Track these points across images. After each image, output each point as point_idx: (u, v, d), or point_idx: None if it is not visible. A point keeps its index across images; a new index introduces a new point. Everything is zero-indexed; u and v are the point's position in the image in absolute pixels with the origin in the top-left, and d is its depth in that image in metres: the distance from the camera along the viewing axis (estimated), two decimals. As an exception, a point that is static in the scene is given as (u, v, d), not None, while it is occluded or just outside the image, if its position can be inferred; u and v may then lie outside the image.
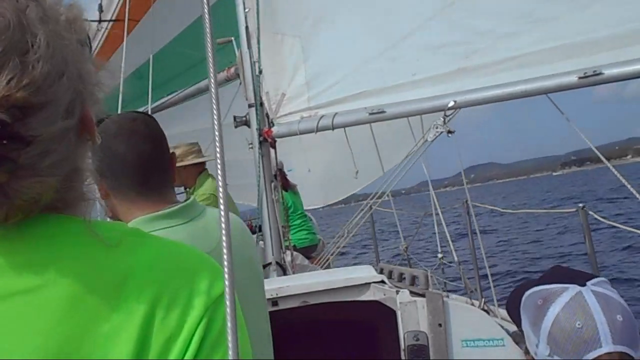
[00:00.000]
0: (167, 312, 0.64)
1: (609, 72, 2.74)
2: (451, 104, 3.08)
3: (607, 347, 1.13)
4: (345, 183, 7.99)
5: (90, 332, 0.62)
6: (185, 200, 1.42)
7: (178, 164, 4.02)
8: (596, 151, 3.09)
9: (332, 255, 4.67)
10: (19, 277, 0.63)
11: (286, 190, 5.92)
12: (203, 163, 4.20)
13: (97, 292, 0.63)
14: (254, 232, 4.38)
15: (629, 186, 2.97)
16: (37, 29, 0.62)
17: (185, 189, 4.26)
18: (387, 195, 4.09)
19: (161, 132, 1.46)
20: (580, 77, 2.78)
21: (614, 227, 4.49)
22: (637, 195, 2.89)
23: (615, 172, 3.16)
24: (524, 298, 1.33)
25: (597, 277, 1.29)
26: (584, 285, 1.23)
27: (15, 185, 0.61)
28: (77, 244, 0.67)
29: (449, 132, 3.17)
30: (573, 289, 1.22)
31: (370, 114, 3.36)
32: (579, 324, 1.16)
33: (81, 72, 0.67)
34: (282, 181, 5.91)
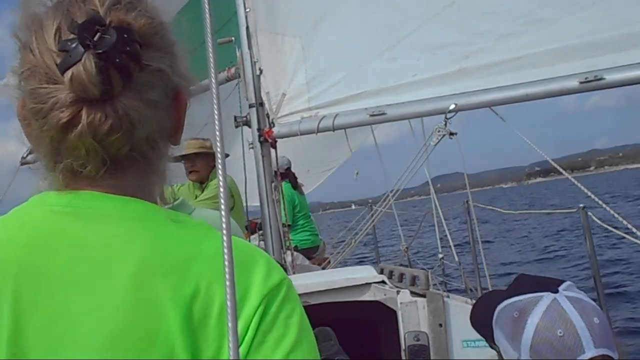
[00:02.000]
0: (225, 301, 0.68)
1: (610, 77, 2.73)
2: (452, 106, 3.08)
3: (590, 352, 1.14)
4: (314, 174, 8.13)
5: (151, 312, 0.66)
6: (174, 201, 1.42)
7: (190, 151, 4.09)
8: (554, 164, 3.11)
9: (336, 262, 4.68)
10: (91, 250, 0.69)
11: (295, 189, 5.93)
12: (214, 159, 4.24)
13: (161, 273, 0.68)
14: (255, 232, 4.38)
15: (593, 197, 2.99)
16: (156, 9, 0.78)
17: (199, 183, 4.30)
18: (389, 197, 4.08)
19: None
20: (581, 82, 2.77)
21: (610, 230, 4.48)
22: (604, 206, 2.91)
23: (577, 183, 3.19)
24: (496, 312, 1.31)
25: (563, 281, 1.28)
26: (556, 291, 1.22)
27: (124, 100, 0.70)
28: (150, 225, 0.73)
29: (451, 134, 3.17)
30: (547, 297, 1.22)
31: (371, 115, 3.36)
32: (560, 332, 1.16)
33: (181, 62, 0.80)
34: (292, 180, 5.92)
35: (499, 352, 1.33)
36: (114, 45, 0.68)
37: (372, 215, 4.12)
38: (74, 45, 0.68)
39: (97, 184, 0.73)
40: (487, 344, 2.35)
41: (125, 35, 0.70)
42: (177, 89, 0.79)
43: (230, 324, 0.56)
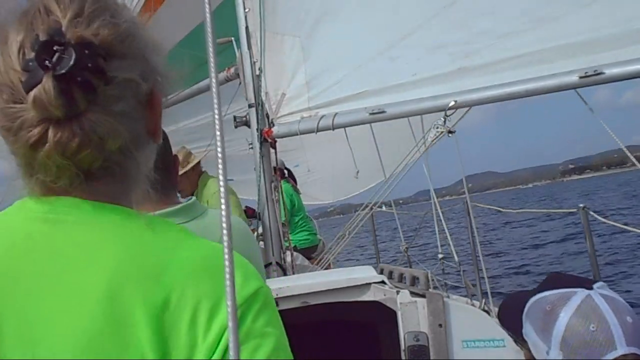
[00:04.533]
0: (198, 308, 0.67)
1: (609, 71, 2.73)
2: (451, 103, 3.08)
3: (622, 349, 1.13)
4: (350, 182, 8.01)
5: (123, 320, 0.65)
6: (188, 200, 1.43)
7: (180, 173, 4.07)
8: (627, 152, 2.94)
9: (333, 256, 4.66)
10: (67, 256, 0.69)
11: (295, 190, 5.92)
12: (199, 166, 4.22)
13: (134, 280, 0.67)
14: (254, 217, 4.37)
15: None
16: (126, 10, 0.77)
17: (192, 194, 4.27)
18: (389, 197, 4.08)
19: (164, 133, 1.46)
20: (581, 77, 2.77)
21: (615, 227, 4.48)
22: None
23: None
24: (528, 305, 1.31)
25: (597, 281, 1.28)
26: (591, 288, 1.22)
27: (91, 116, 0.70)
28: (125, 231, 0.73)
29: (450, 132, 3.16)
30: (582, 292, 1.21)
31: (371, 114, 3.35)
32: (593, 327, 1.16)
33: (155, 61, 0.78)
34: (291, 181, 5.92)
35: (527, 349, 1.33)
36: (74, 65, 0.67)
37: (370, 209, 4.11)
38: (34, 65, 0.68)
39: (73, 191, 0.73)
40: (486, 344, 2.35)
41: (87, 51, 0.69)
42: (151, 92, 0.78)
43: (230, 324, 0.55)
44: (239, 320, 0.66)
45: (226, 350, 0.64)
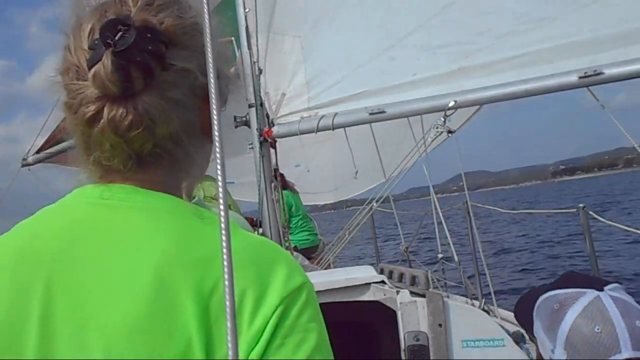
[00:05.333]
0: (243, 298, 0.68)
1: (609, 71, 2.73)
2: (451, 103, 3.08)
3: (626, 353, 1.11)
4: (349, 183, 7.99)
5: (171, 303, 0.67)
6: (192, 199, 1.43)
7: None
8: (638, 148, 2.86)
9: (332, 256, 4.66)
10: (119, 239, 0.72)
11: (284, 189, 5.91)
12: None
13: (183, 266, 0.69)
14: (255, 226, 4.37)
15: None
16: (194, 9, 0.81)
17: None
18: (389, 196, 4.08)
19: None
20: (580, 77, 2.78)
21: (615, 227, 4.48)
22: None
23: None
24: (538, 302, 1.29)
25: (611, 282, 1.26)
26: (601, 290, 1.20)
27: (146, 98, 0.73)
28: (176, 218, 0.75)
29: (450, 131, 3.15)
30: (591, 293, 1.20)
31: (371, 113, 3.35)
32: (597, 329, 1.14)
33: (217, 61, 0.80)
34: (281, 181, 5.90)
35: (521, 337, 1.33)
36: (134, 44, 0.71)
37: (370, 208, 4.10)
38: (99, 44, 0.72)
39: (127, 177, 0.77)
40: (486, 344, 2.35)
41: (149, 35, 0.73)
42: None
43: (229, 324, 0.55)
44: (283, 314, 0.68)
45: (269, 341, 0.67)
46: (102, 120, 0.73)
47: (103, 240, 0.72)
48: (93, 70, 0.72)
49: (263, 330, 0.67)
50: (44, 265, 0.71)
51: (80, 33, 0.76)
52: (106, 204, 0.75)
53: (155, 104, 0.74)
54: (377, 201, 3.87)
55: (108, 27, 0.72)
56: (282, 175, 5.98)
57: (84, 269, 0.71)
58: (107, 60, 0.71)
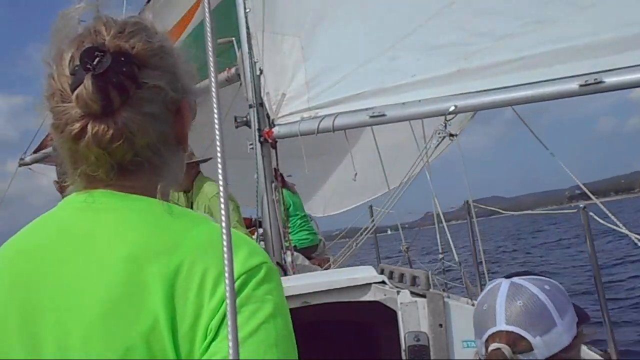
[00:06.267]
0: (204, 277, 0.77)
1: (610, 80, 2.71)
2: (452, 108, 3.07)
3: (500, 326, 1.29)
4: (350, 194, 7.97)
5: (140, 286, 0.77)
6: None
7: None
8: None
9: (337, 266, 4.68)
10: (97, 236, 0.83)
11: (283, 187, 5.91)
12: (197, 165, 4.22)
13: (152, 255, 0.79)
14: (253, 226, 4.37)
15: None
16: (161, 34, 0.93)
17: (185, 193, 4.28)
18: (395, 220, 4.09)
19: None
20: (581, 85, 2.76)
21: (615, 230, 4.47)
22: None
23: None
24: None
25: (542, 276, 1.40)
26: (509, 277, 1.38)
27: (124, 114, 0.83)
28: (148, 215, 0.85)
29: (451, 135, 3.16)
30: (498, 280, 1.39)
31: (371, 116, 3.35)
32: (485, 307, 1.35)
33: (185, 79, 0.92)
34: (280, 180, 5.90)
35: None
36: (110, 68, 0.82)
37: (372, 220, 4.12)
38: (79, 69, 0.83)
39: (109, 184, 0.87)
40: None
41: (123, 59, 0.83)
42: (179, 103, 0.91)
43: (230, 323, 0.56)
44: (240, 288, 0.77)
45: (225, 314, 0.71)
46: (86, 136, 0.83)
47: (82, 240, 0.83)
48: (76, 92, 0.82)
49: (221, 304, 0.75)
50: (28, 267, 0.83)
51: (61, 62, 0.86)
52: (88, 207, 0.86)
53: (132, 118, 0.84)
54: (381, 231, 3.88)
55: (86, 54, 0.82)
56: (281, 175, 5.99)
57: (62, 266, 0.81)
58: (88, 82, 0.81)
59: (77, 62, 0.83)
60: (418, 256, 9.07)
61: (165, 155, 0.90)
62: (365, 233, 4.56)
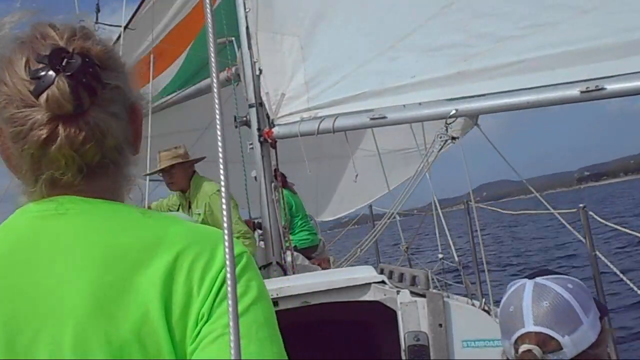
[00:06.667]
0: (192, 267, 0.80)
1: (611, 87, 2.70)
2: (452, 112, 3.07)
3: (528, 327, 1.29)
4: (352, 197, 7.98)
5: (126, 281, 0.78)
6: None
7: (165, 164, 4.09)
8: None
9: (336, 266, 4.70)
10: (68, 241, 0.81)
11: (284, 187, 5.90)
12: (192, 166, 4.23)
13: (135, 250, 0.80)
14: (254, 229, 4.38)
15: None
16: (108, 41, 0.93)
17: (182, 192, 4.29)
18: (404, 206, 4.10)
19: None
20: (582, 92, 2.75)
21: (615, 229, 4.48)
22: None
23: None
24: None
25: (563, 275, 1.41)
26: (532, 278, 1.38)
27: (93, 114, 0.83)
28: (121, 216, 0.86)
29: (453, 138, 3.17)
30: (521, 282, 1.39)
31: (372, 118, 3.35)
32: (511, 309, 1.34)
33: (131, 81, 0.93)
34: (282, 181, 5.89)
35: None
36: (79, 68, 0.82)
37: (374, 228, 4.13)
38: (44, 72, 0.81)
39: (73, 190, 0.85)
40: (486, 344, 2.38)
41: (87, 59, 0.83)
42: (133, 104, 0.92)
43: (232, 323, 0.56)
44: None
45: (215, 298, 0.78)
46: (58, 138, 0.81)
47: (53, 245, 0.81)
48: (45, 94, 0.80)
49: (211, 290, 0.79)
50: None
51: (13, 67, 0.84)
52: (54, 215, 0.83)
53: (102, 118, 0.84)
54: (391, 216, 3.89)
55: (54, 56, 0.82)
56: (283, 175, 5.98)
57: (36, 272, 0.79)
58: (61, 83, 0.80)
59: (37, 66, 0.82)
60: (418, 256, 9.07)
61: (127, 156, 0.91)
62: (369, 239, 4.56)
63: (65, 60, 0.82)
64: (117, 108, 0.87)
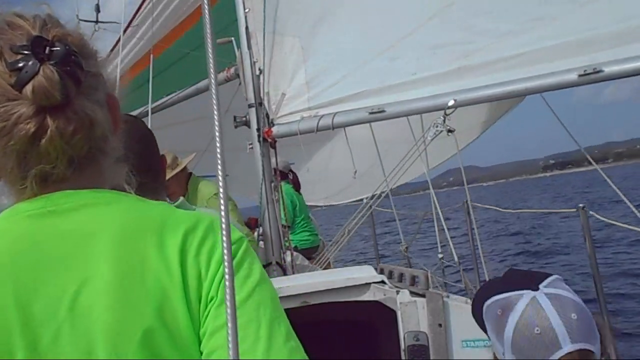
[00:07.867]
0: (199, 250, 0.80)
1: (609, 69, 2.73)
2: (451, 102, 3.07)
3: (567, 347, 1.19)
4: (349, 187, 7.97)
5: (140, 265, 0.77)
6: (176, 201, 1.44)
7: (170, 175, 4.06)
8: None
9: (331, 255, 4.65)
10: (71, 234, 0.79)
11: (298, 191, 5.89)
12: (185, 170, 4.18)
13: (141, 232, 0.80)
14: (255, 227, 4.36)
15: (617, 191, 3.00)
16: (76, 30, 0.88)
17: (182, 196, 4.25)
18: (389, 195, 4.07)
19: (150, 133, 1.50)
20: (580, 75, 2.78)
21: (614, 225, 4.48)
22: (627, 201, 2.91)
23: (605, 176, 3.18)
24: (484, 308, 1.36)
25: (549, 275, 1.32)
26: (537, 289, 1.27)
27: (79, 102, 0.80)
28: (121, 203, 0.84)
29: (449, 130, 3.15)
30: (527, 295, 1.26)
31: (370, 113, 3.35)
32: (537, 330, 1.21)
33: (104, 68, 0.90)
34: (293, 182, 5.88)
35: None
36: (64, 56, 0.79)
37: (369, 208, 4.10)
38: (24, 62, 0.77)
39: (64, 185, 0.82)
40: (486, 344, 2.37)
41: (67, 47, 0.80)
42: (109, 92, 0.89)
43: (230, 324, 0.56)
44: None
45: (221, 280, 0.78)
46: (48, 131, 0.77)
47: (56, 241, 0.78)
48: (30, 85, 0.76)
49: (217, 272, 0.79)
50: (8, 284, 0.75)
51: None
52: (50, 211, 0.80)
53: (89, 107, 0.81)
54: (378, 197, 3.87)
55: (37, 45, 0.78)
56: (294, 174, 5.96)
57: (48, 271, 0.76)
58: (49, 71, 0.76)
59: (14, 57, 0.77)
60: (417, 255, 9.07)
61: (112, 143, 0.88)
62: (361, 214, 4.48)
63: (48, 48, 0.78)
64: (100, 95, 0.85)
